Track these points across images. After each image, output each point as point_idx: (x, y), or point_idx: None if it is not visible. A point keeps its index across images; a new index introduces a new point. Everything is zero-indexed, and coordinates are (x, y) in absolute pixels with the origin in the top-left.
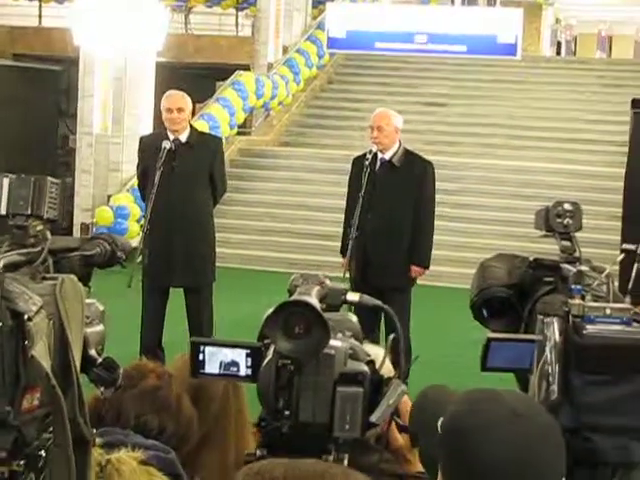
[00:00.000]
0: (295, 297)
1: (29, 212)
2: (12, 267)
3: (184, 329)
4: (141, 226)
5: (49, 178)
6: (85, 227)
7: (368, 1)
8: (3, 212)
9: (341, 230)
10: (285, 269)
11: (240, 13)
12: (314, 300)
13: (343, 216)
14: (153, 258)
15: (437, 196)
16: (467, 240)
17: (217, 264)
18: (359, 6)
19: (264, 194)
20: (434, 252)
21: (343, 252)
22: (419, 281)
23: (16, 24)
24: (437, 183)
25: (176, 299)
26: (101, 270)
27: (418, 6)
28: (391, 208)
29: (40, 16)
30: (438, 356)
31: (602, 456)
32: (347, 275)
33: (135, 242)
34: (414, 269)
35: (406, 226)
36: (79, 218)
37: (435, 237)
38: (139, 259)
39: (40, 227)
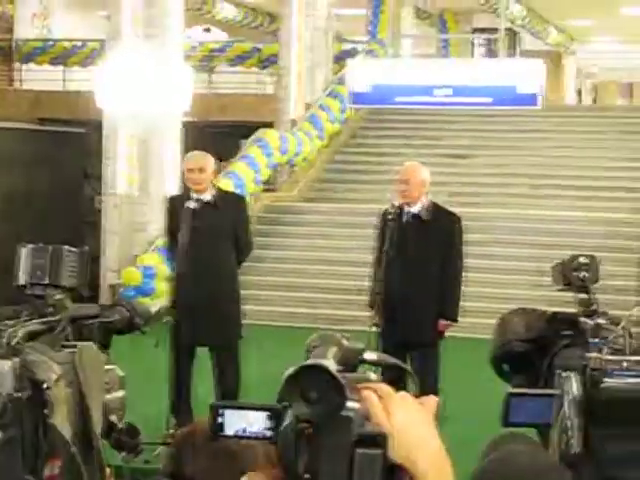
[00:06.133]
0: (311, 361)
1: (47, 281)
2: (32, 336)
3: (212, 388)
4: (168, 286)
5: (66, 247)
6: (112, 288)
7: (389, 56)
8: (22, 282)
9: (368, 283)
10: (313, 324)
11: (263, 71)
12: (330, 362)
13: (371, 270)
14: (179, 317)
15: (464, 247)
16: (494, 291)
17: (246, 321)
18: (380, 61)
19: (291, 250)
20: (462, 304)
21: (372, 305)
22: (450, 333)
23: (41, 88)
24: (463, 235)
25: (204, 357)
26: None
27: (439, 59)
28: (419, 262)
29: (64, 80)
30: (470, 410)
31: None
32: (374, 329)
33: (162, 302)
34: (442, 323)
35: (433, 281)
36: (106, 279)
37: (462, 288)
38: (167, 319)
39: (59, 296)
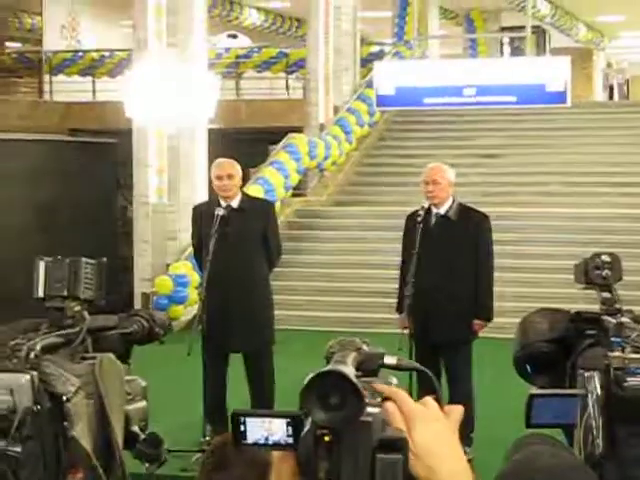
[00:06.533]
0: (330, 367)
1: (65, 294)
2: (51, 349)
3: (248, 395)
4: (199, 293)
5: (84, 259)
6: (145, 297)
7: (416, 57)
8: (41, 295)
9: (397, 287)
10: (346, 328)
11: (290, 76)
12: (349, 369)
13: (399, 273)
14: (211, 324)
15: (496, 247)
16: (530, 290)
17: (278, 326)
18: (407, 63)
19: (322, 254)
20: (497, 303)
21: (399, 310)
22: (484, 334)
23: (71, 100)
24: (496, 234)
25: (239, 363)
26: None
27: (465, 59)
28: (449, 263)
29: (94, 91)
30: (504, 410)
31: None
32: (406, 332)
33: (194, 310)
34: (476, 323)
35: (465, 281)
36: (139, 288)
37: (497, 289)
38: (199, 327)
39: (77, 308)
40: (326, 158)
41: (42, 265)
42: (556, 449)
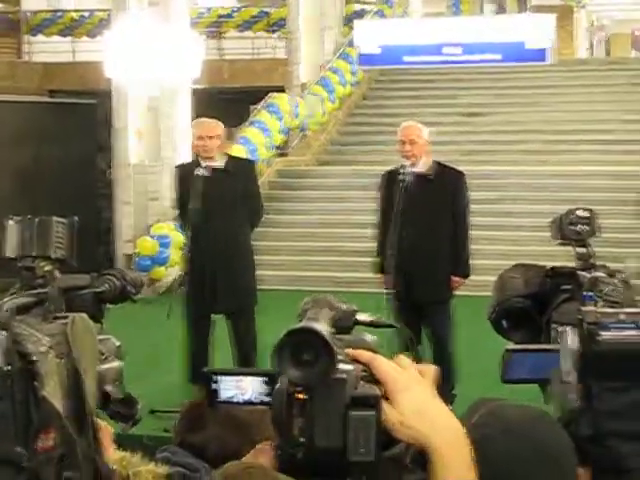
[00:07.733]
0: (302, 324)
1: (35, 253)
2: (22, 309)
3: (231, 354)
4: (182, 255)
5: (54, 218)
6: (128, 258)
7: (398, 16)
8: (11, 255)
9: (375, 246)
10: (329, 288)
11: (273, 35)
12: (322, 325)
13: (377, 232)
14: (194, 286)
15: (479, 206)
16: (511, 248)
17: (260, 287)
18: (388, 22)
19: (305, 214)
20: (479, 262)
21: (382, 270)
22: (466, 291)
23: (50, 60)
24: (478, 193)
25: (222, 324)
26: (143, 301)
27: (446, 18)
28: (428, 221)
29: (74, 51)
30: (485, 367)
31: (625, 463)
32: (389, 291)
33: (177, 270)
34: (455, 279)
35: (444, 238)
36: (121, 249)
37: (478, 246)
38: (181, 288)
39: (48, 267)
40: (308, 117)
41: (12, 225)
42: (513, 403)
